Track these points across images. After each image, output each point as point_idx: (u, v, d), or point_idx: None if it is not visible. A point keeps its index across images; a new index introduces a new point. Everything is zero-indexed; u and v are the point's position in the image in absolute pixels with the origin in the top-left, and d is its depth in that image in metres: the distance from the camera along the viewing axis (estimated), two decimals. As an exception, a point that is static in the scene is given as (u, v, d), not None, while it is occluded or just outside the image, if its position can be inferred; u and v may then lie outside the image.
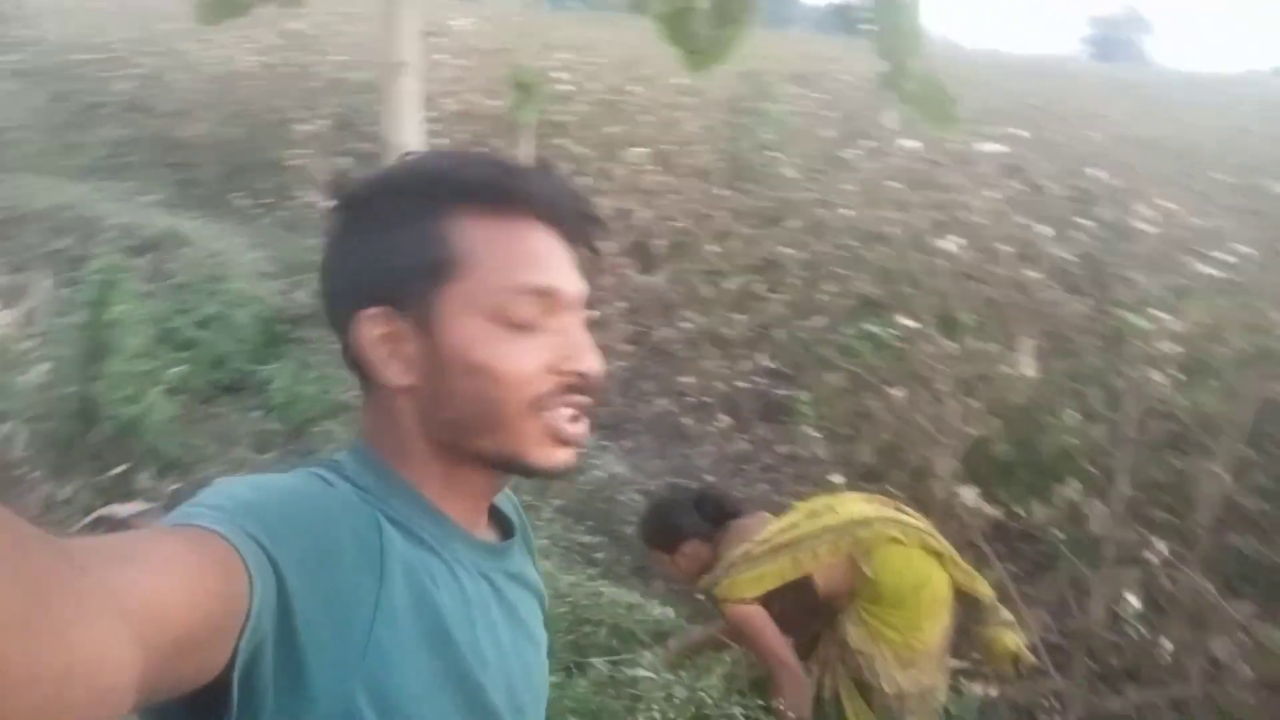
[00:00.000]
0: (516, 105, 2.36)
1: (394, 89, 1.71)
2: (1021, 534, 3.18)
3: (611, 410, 4.29)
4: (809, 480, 3.60)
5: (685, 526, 2.22)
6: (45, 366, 2.94)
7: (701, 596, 2.28)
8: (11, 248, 4.95)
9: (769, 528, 2.14)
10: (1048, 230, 3.55)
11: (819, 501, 2.23)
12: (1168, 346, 2.54)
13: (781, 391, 4.27)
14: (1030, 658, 2.21)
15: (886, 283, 4.00)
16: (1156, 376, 2.60)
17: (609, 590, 2.73)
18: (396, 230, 0.69)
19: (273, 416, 3.74)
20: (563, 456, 0.71)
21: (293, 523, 0.58)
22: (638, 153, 4.99)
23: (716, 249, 4.49)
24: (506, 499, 0.86)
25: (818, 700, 2.17)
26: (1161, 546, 2.54)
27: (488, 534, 0.78)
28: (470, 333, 0.67)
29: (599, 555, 3.21)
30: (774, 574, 2.05)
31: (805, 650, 2.21)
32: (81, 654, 0.38)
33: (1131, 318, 2.67)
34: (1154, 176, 5.67)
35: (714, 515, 2.24)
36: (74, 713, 0.38)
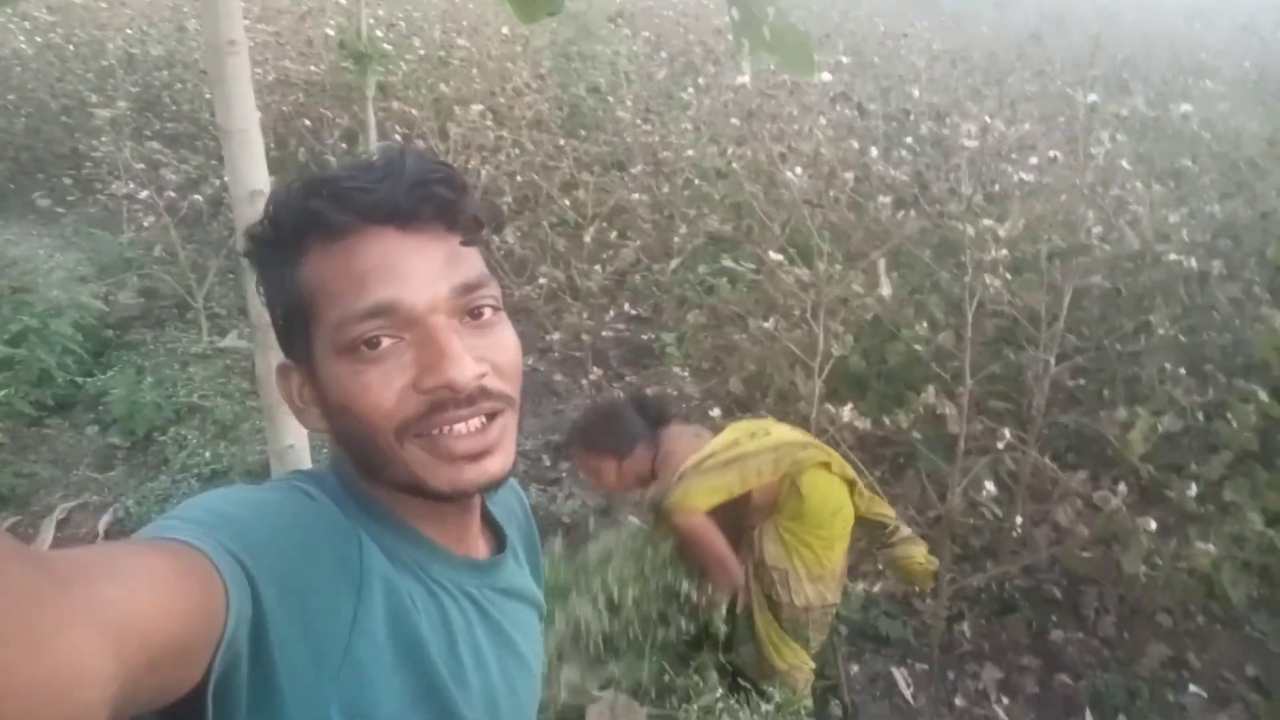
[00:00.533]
0: (351, 72, 2.24)
1: (224, 71, 1.59)
2: (880, 440, 3.40)
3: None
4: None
5: (636, 431, 2.20)
6: None
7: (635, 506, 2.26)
8: None
9: (713, 443, 2.19)
10: (876, 152, 3.71)
11: (753, 424, 2.30)
12: (995, 252, 2.73)
13: (646, 336, 4.34)
14: (935, 565, 2.39)
15: (735, 217, 4.10)
16: (989, 280, 2.79)
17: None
18: (267, 284, 0.69)
19: (113, 430, 3.47)
20: (470, 474, 0.65)
21: (272, 538, 0.58)
22: (473, 109, 4.85)
23: (565, 201, 4.45)
24: (516, 499, 0.86)
25: (729, 613, 2.27)
26: (1006, 433, 2.77)
27: (478, 547, 0.76)
28: (331, 373, 0.65)
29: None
30: (724, 488, 2.11)
31: None
32: (60, 668, 0.38)
33: (962, 227, 2.84)
34: (966, 90, 6.01)
35: (655, 420, 2.25)
36: None
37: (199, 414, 3.48)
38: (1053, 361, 3.01)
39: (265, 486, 0.66)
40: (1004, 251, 2.73)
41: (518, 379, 0.69)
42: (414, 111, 4.74)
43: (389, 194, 0.64)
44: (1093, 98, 3.13)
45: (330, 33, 5.78)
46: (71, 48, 6.55)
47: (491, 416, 0.66)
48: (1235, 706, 2.77)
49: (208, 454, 3.25)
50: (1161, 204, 3.37)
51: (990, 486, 2.62)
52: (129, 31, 6.78)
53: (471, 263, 0.68)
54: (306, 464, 1.86)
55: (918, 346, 3.21)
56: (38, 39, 6.60)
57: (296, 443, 1.78)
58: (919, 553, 2.37)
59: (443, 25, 7.06)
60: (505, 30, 6.95)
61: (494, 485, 0.67)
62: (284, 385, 0.70)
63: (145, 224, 4.54)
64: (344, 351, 0.63)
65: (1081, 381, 3.54)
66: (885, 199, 3.20)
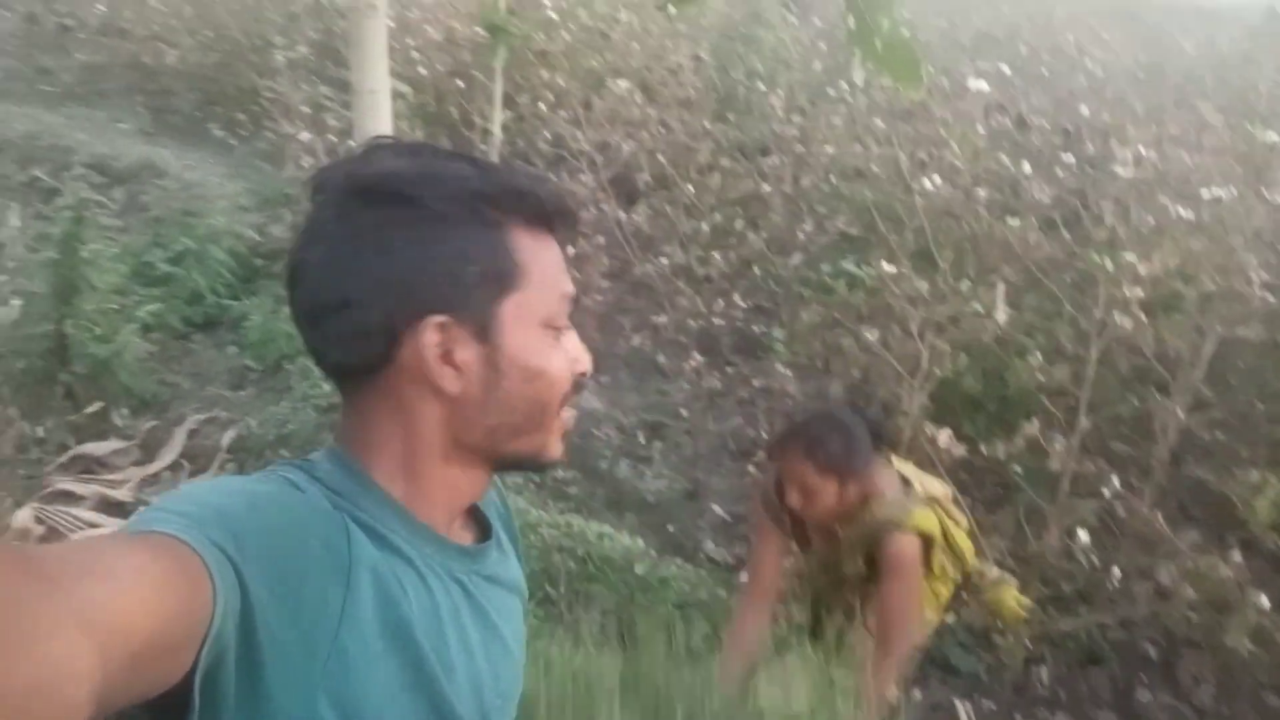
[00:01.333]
0: (490, 47, 2.32)
1: (362, 32, 1.67)
2: (985, 466, 3.27)
3: (588, 345, 4.31)
4: (781, 415, 3.67)
5: (868, 454, 1.93)
6: (17, 303, 2.93)
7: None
8: (-17, 178, 4.90)
9: (905, 470, 2.06)
10: (1029, 169, 3.54)
11: (918, 473, 2.11)
12: (1131, 291, 2.56)
13: (757, 328, 4.31)
14: (1027, 605, 2.28)
15: (868, 219, 4.00)
16: (1120, 319, 2.63)
17: (579, 522, 2.80)
18: (459, 239, 0.69)
19: (248, 353, 3.72)
20: (561, 450, 0.77)
21: (259, 530, 0.58)
22: (621, 84, 4.90)
23: (689, 186, 4.46)
24: (494, 490, 0.87)
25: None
26: (1114, 480, 2.61)
27: (464, 535, 0.79)
28: (529, 340, 0.71)
29: (572, 490, 3.27)
30: (929, 525, 1.94)
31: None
32: (48, 669, 0.40)
33: (1099, 259, 2.68)
34: (1147, 111, 5.61)
35: (879, 444, 1.99)
36: None
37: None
38: (1181, 411, 2.81)
39: (253, 477, 0.67)
40: (1138, 290, 2.55)
41: None
42: (561, 80, 4.83)
43: (566, 209, 0.75)
44: (1273, 136, 2.86)
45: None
46: (269, -8, 7.01)
47: None
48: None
49: (327, 388, 3.45)
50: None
51: (1083, 534, 2.47)
52: (319, -20, 7.17)
53: None
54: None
55: (1040, 376, 3.06)
56: (239, -20, 7.10)
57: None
58: (1010, 596, 2.25)
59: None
60: (671, 8, 6.93)
61: (561, 462, 0.78)
62: (427, 339, 0.68)
63: (305, 164, 4.84)
64: (545, 324, 0.72)
65: (1219, 436, 3.28)
66: (1019, 221, 3.04)
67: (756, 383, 4.01)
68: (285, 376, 3.56)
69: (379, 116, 1.72)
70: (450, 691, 0.68)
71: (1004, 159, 3.72)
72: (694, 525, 3.37)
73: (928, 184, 3.33)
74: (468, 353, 0.69)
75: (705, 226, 3.68)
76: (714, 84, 6.15)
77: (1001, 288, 2.70)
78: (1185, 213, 3.13)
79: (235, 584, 0.54)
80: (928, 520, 1.93)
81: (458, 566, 0.74)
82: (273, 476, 0.67)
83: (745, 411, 3.98)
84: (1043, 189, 3.48)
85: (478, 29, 5.94)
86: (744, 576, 2.30)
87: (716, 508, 3.45)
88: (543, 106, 4.77)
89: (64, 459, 2.72)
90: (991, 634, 3.00)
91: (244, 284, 4.18)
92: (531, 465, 0.77)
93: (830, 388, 3.40)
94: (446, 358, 0.69)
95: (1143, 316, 2.71)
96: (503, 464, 0.76)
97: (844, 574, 2.02)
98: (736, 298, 3.85)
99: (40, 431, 2.72)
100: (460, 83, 5.26)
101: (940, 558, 2.01)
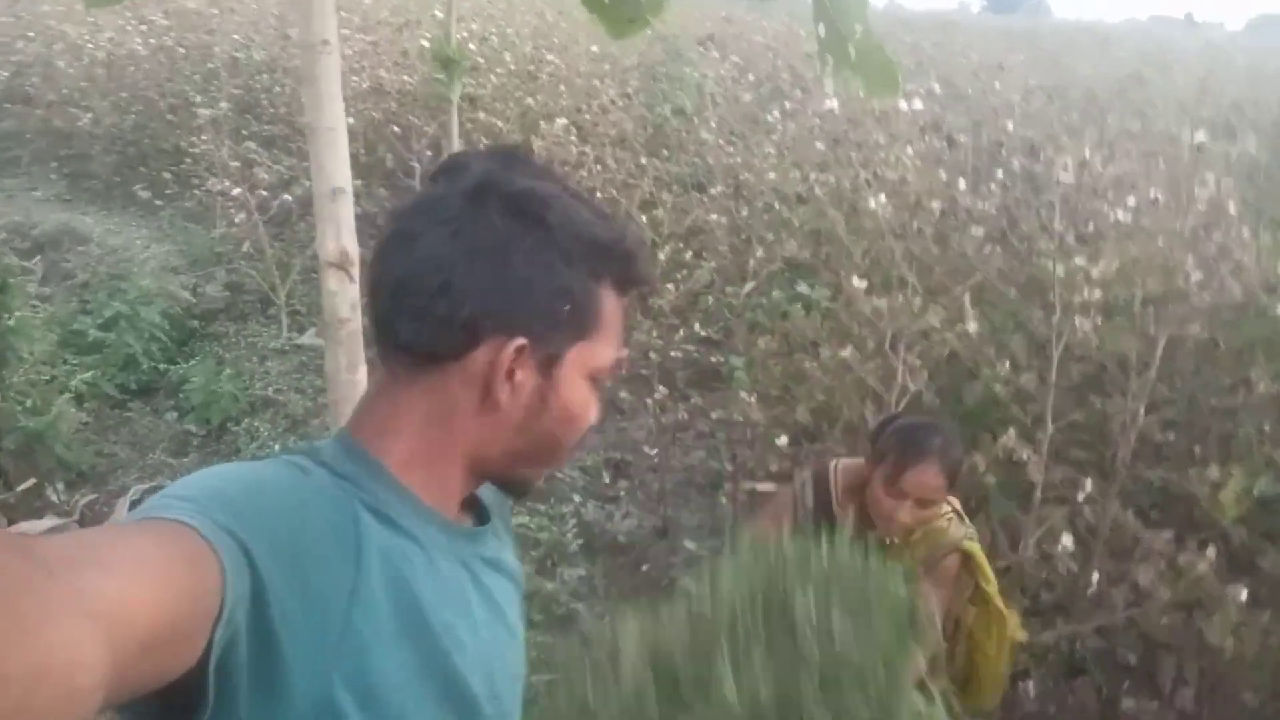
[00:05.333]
0: (442, 83, 2.29)
1: (316, 70, 1.62)
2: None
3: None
4: (745, 444, 3.64)
5: None
6: (-64, 380, 2.73)
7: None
8: (-112, 254, 4.62)
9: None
10: (964, 184, 3.61)
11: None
12: (1088, 293, 2.61)
13: (715, 358, 4.29)
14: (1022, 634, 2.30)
15: (813, 244, 4.04)
16: (1080, 322, 2.67)
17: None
18: (567, 276, 0.72)
19: (190, 418, 3.57)
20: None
21: (266, 513, 0.58)
22: (558, 124, 4.89)
23: (642, 218, 4.45)
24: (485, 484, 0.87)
25: None
26: (1088, 484, 2.63)
27: (463, 519, 0.79)
28: (576, 388, 0.75)
29: (541, 536, 3.18)
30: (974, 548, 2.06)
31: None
32: (51, 656, 0.39)
33: (1051, 265, 2.73)
34: (1062, 126, 5.83)
35: None
36: (44, 714, 0.39)
37: (272, 407, 3.57)
38: (1141, 412, 2.86)
39: (259, 463, 0.67)
40: (1097, 293, 2.60)
41: None
42: (499, 123, 4.80)
43: (652, 276, 0.81)
44: (1200, 137, 2.98)
45: (425, 45, 5.92)
46: (182, 50, 6.86)
47: None
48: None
49: (277, 447, 3.31)
50: (1270, 253, 3.18)
51: (1068, 540, 2.48)
52: (235, 37, 7.07)
53: None
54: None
55: (997, 387, 3.09)
56: (152, 41, 6.94)
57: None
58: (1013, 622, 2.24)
59: (534, 42, 7.18)
60: (594, 49, 7.04)
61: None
62: (504, 355, 0.70)
63: (236, 220, 4.70)
64: (591, 378, 0.76)
65: (1170, 436, 3.35)
66: (975, 232, 3.09)
67: (715, 414, 3.98)
68: (232, 439, 3.41)
69: (336, 153, 1.66)
70: (463, 670, 0.68)
71: (942, 175, 3.79)
72: (668, 564, 3.30)
73: (872, 204, 3.37)
74: (527, 378, 0.72)
75: (661, 256, 3.66)
76: (644, 121, 6.21)
77: (967, 298, 2.72)
78: (1123, 216, 3.22)
79: (244, 566, 0.54)
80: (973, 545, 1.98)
81: (462, 549, 0.75)
82: (276, 461, 0.67)
83: (708, 444, 3.95)
84: (978, 204, 3.56)
85: (406, 78, 5.91)
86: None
87: (690, 544, 3.39)
88: (480, 148, 4.73)
89: (-6, 543, 2.51)
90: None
91: (180, 347, 4.01)
92: (520, 490, 0.80)
93: (795, 413, 3.37)
94: (509, 375, 0.71)
95: (1099, 320, 2.77)
96: (495, 480, 0.78)
97: None
98: (696, 327, 3.83)
99: (-33, 515, 2.53)
100: (397, 129, 5.19)
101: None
